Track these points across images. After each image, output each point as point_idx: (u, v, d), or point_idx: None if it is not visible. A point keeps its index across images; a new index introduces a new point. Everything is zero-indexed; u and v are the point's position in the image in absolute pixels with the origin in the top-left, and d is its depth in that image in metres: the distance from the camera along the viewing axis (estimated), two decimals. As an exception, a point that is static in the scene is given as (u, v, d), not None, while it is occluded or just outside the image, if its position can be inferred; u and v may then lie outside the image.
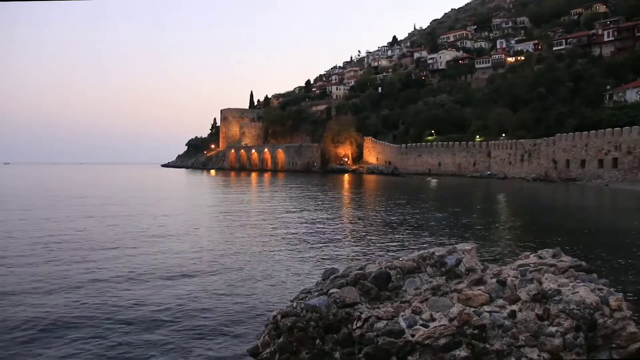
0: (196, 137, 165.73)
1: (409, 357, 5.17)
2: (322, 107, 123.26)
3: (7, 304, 9.24)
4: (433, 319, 5.31)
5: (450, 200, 35.77)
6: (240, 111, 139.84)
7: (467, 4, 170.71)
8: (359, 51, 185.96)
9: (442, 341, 5.11)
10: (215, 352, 7.05)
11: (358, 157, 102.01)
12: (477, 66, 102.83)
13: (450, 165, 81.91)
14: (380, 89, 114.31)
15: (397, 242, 16.64)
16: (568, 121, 64.98)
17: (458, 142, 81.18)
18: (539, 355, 4.95)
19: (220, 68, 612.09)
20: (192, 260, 13.58)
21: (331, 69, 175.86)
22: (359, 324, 5.53)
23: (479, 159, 77.87)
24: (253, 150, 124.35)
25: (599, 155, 55.98)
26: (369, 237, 17.72)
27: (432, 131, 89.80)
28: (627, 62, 72.44)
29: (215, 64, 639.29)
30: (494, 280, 5.70)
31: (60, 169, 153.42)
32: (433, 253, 6.21)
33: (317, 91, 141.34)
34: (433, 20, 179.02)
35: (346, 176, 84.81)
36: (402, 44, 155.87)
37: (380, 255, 13.23)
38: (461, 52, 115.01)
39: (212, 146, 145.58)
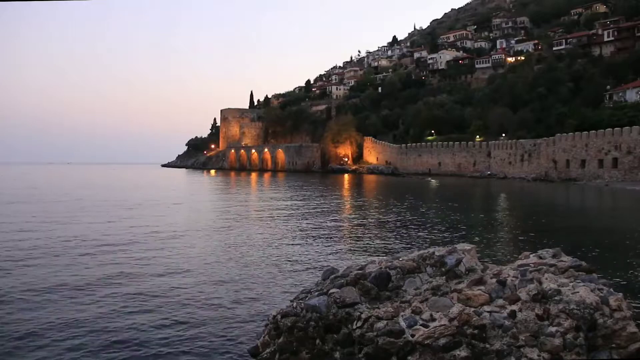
0: (196, 137, 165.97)
1: (409, 357, 5.17)
2: (322, 107, 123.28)
3: (7, 304, 9.24)
4: (433, 319, 5.31)
5: (450, 200, 35.75)
6: (240, 111, 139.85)
7: (467, 4, 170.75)
8: (359, 51, 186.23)
9: (442, 341, 5.11)
10: (216, 352, 7.05)
11: (358, 157, 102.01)
12: (477, 66, 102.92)
13: (450, 165, 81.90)
14: (380, 89, 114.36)
15: (397, 242, 16.63)
16: (568, 121, 64.96)
17: (458, 142, 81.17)
18: (539, 355, 4.95)
19: (221, 68, 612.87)
20: (192, 260, 13.57)
21: (331, 69, 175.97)
22: (359, 324, 5.53)
23: (479, 159, 77.85)
24: (253, 150, 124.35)
25: (599, 155, 55.99)
26: (368, 237, 17.71)
27: (432, 131, 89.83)
28: (627, 62, 72.48)
29: (216, 64, 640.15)
30: (494, 280, 5.70)
31: (52, 169, 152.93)
32: (433, 253, 6.20)
33: (317, 91, 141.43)
34: (433, 20, 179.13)
35: (346, 176, 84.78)
36: (402, 44, 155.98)
37: (381, 255, 13.23)
38: (461, 52, 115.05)
39: (212, 146, 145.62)
